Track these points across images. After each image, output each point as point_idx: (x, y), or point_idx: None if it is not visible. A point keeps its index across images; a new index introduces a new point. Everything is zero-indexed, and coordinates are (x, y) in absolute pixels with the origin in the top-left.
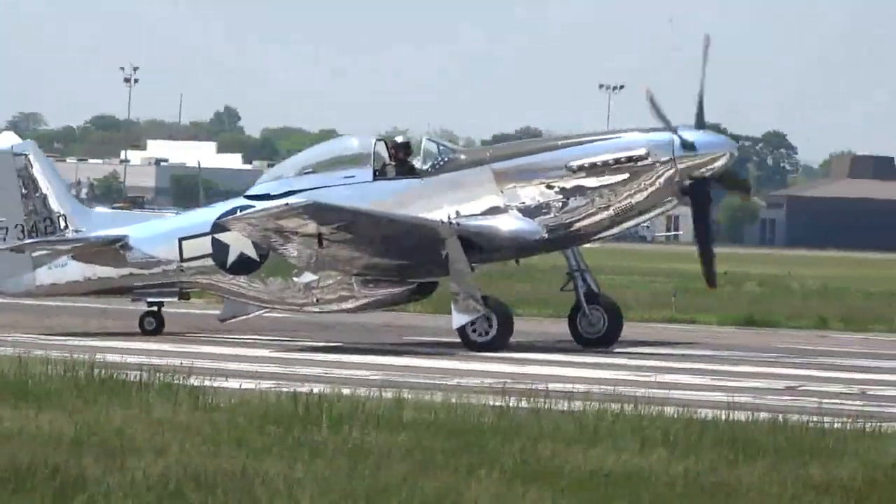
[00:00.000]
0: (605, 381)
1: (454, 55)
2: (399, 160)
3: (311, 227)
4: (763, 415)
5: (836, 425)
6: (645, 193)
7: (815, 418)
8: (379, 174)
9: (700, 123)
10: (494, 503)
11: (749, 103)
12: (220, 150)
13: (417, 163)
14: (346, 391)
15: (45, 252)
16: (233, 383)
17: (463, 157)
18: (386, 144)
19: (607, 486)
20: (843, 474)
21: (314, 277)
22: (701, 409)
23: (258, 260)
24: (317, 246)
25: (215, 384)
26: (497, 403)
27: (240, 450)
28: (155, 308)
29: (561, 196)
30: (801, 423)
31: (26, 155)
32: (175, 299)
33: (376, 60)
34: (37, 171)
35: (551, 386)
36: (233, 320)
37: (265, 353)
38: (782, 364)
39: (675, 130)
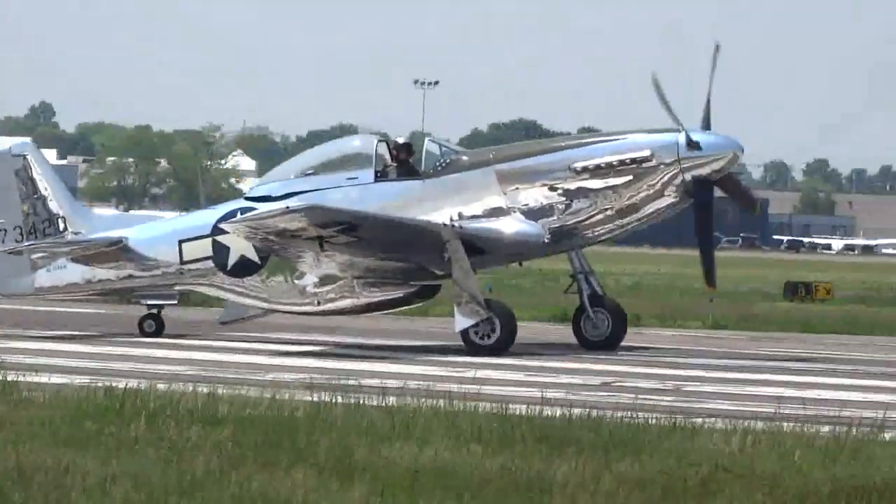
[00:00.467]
0: (419, 377)
1: (271, 50)
2: (400, 161)
3: (312, 230)
4: (577, 410)
5: (650, 421)
6: (649, 195)
7: (629, 414)
8: (381, 175)
9: (706, 126)
10: (307, 499)
11: None
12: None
13: (419, 164)
14: (161, 386)
15: (43, 254)
16: (46, 378)
17: (465, 158)
18: (388, 145)
19: (420, 481)
20: (655, 469)
21: (316, 280)
22: (515, 405)
23: (259, 262)
24: (318, 248)
25: (29, 379)
26: (311, 398)
27: (56, 445)
28: (154, 311)
29: (564, 198)
30: (615, 418)
31: (25, 156)
32: (175, 302)
33: (186, 55)
34: (36, 173)
35: (366, 381)
36: (233, 323)
37: (80, 348)
38: (597, 360)
39: (678, 121)
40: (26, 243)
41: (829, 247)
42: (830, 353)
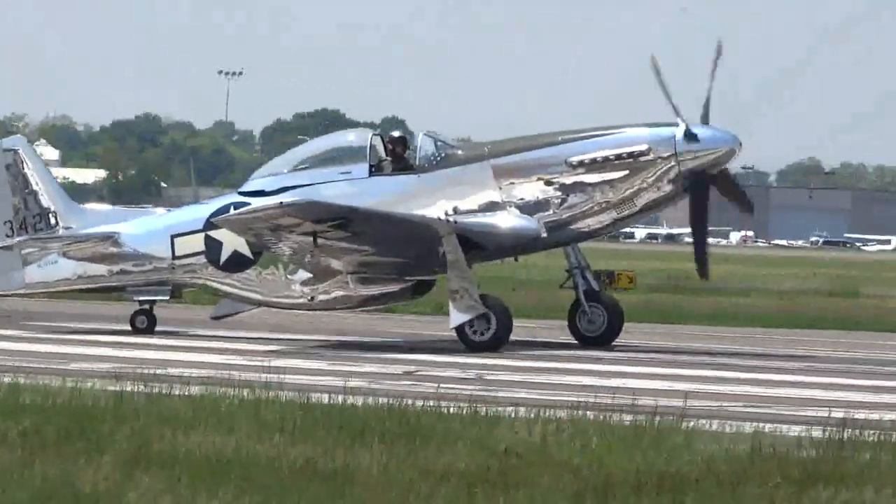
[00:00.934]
0: (222, 366)
1: (72, 39)
2: (396, 155)
3: (306, 225)
4: (381, 399)
5: (452, 410)
6: (647, 190)
7: (431, 403)
8: (375, 170)
9: (705, 122)
10: (110, 489)
11: None
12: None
13: (413, 159)
14: None
15: (35, 249)
16: None
17: (460, 152)
18: (382, 139)
19: (223, 471)
20: (458, 459)
21: (309, 275)
22: (317, 394)
23: (252, 257)
24: (311, 244)
25: None
26: (114, 388)
27: None
28: (146, 306)
29: (561, 192)
30: (417, 407)
31: (16, 150)
32: (167, 297)
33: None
34: (27, 168)
35: (170, 371)
36: (227, 317)
37: None
38: (400, 349)
39: (674, 106)
40: (17, 238)
41: (632, 235)
42: (635, 341)
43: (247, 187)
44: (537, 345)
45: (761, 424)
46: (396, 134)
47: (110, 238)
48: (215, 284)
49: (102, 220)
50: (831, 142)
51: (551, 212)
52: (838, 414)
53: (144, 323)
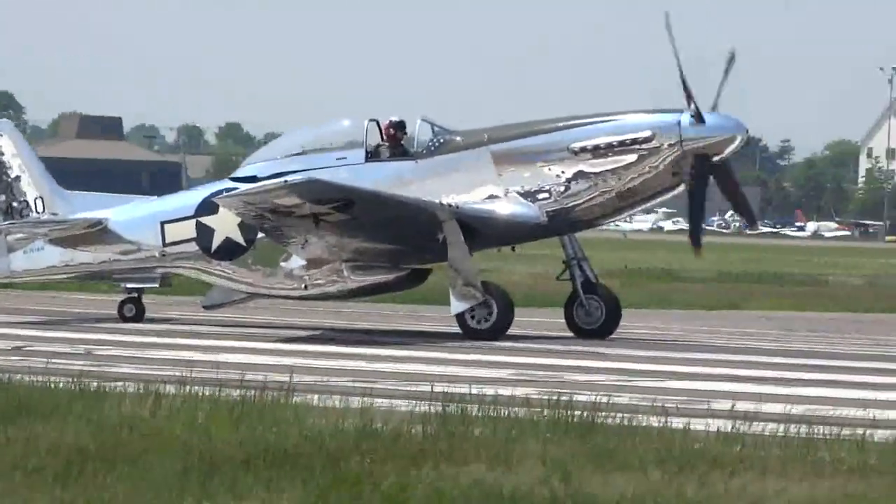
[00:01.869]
0: None
1: None
2: (393, 141)
3: (308, 206)
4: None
5: (61, 385)
6: (651, 177)
7: (40, 378)
8: (372, 156)
9: (713, 107)
10: None
11: None
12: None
13: (409, 144)
14: None
15: (20, 235)
16: None
17: (459, 139)
18: (378, 125)
19: None
20: (67, 434)
21: (303, 263)
22: None
23: (244, 245)
24: (312, 227)
25: None
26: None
27: None
28: (135, 294)
29: (562, 179)
30: (25, 382)
31: (1, 135)
32: (156, 285)
33: None
34: (12, 152)
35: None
36: (218, 307)
37: None
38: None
39: (681, 68)
40: (1, 224)
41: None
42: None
43: (239, 173)
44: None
45: (370, 399)
46: (394, 119)
47: (98, 224)
48: (206, 272)
49: (90, 206)
50: None
51: (553, 199)
52: (442, 388)
53: (132, 311)
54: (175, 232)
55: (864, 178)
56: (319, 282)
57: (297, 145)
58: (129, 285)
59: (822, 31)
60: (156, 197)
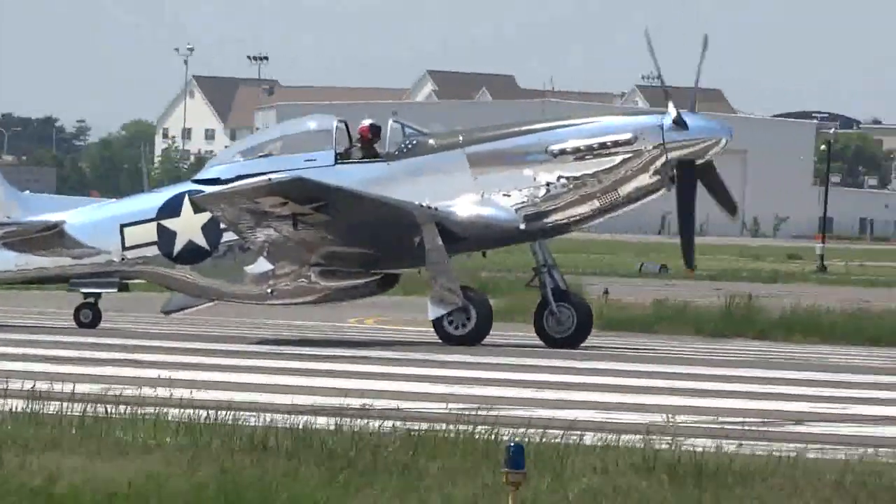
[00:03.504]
0: None
1: None
2: (364, 143)
3: (290, 205)
4: None
5: None
6: (632, 180)
7: None
8: (341, 158)
9: (692, 109)
10: None
11: None
12: None
13: (381, 146)
14: None
15: None
16: None
17: (432, 141)
18: (346, 125)
19: None
20: None
21: (269, 268)
22: None
23: (208, 248)
24: (290, 228)
25: None
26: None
27: None
28: (91, 300)
29: (541, 183)
30: None
31: None
32: (115, 290)
33: None
34: None
35: None
36: (179, 313)
37: None
38: None
39: (662, 79)
40: None
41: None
42: None
43: (202, 174)
44: None
45: None
46: (368, 122)
47: (55, 227)
48: (168, 277)
49: (46, 208)
50: None
51: (530, 203)
52: None
53: (89, 317)
54: (135, 235)
55: (160, 158)
56: (287, 287)
57: (263, 147)
58: (84, 290)
59: None
60: (114, 199)
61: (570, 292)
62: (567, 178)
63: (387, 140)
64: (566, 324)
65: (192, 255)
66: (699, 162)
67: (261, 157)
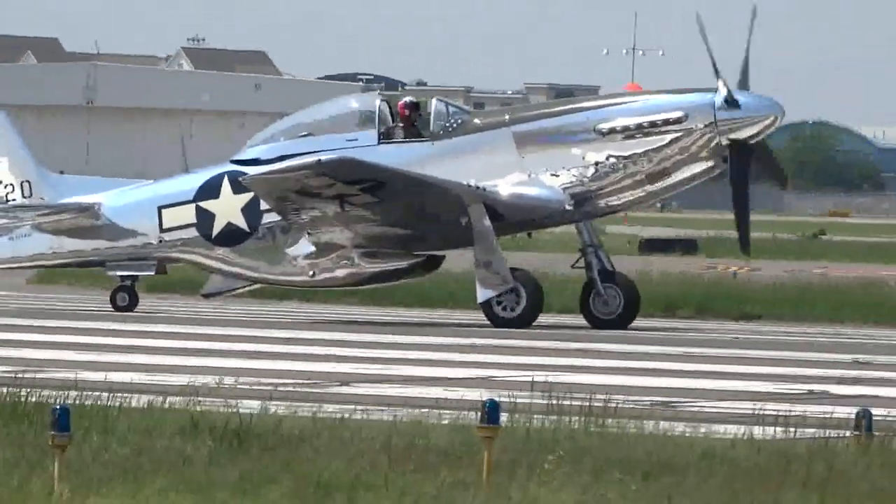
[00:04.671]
0: None
1: None
2: (407, 121)
3: (337, 186)
4: None
5: None
6: (682, 159)
7: None
8: (384, 137)
9: (744, 85)
10: None
11: None
12: None
13: (425, 125)
14: None
15: (5, 221)
16: None
17: (477, 120)
18: (389, 104)
19: None
20: None
21: (311, 249)
22: None
23: (247, 230)
24: (337, 209)
25: None
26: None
27: None
28: (128, 283)
29: (589, 162)
30: None
31: None
32: (152, 273)
33: None
34: None
35: None
36: (218, 295)
37: None
38: None
39: (717, 70)
40: None
41: None
42: None
43: (241, 155)
44: None
45: None
46: (409, 99)
47: (89, 209)
48: (207, 259)
49: (81, 190)
50: None
51: (578, 182)
52: None
53: (125, 300)
54: (173, 217)
55: None
56: (329, 269)
57: (303, 127)
58: (121, 273)
59: None
60: (152, 181)
61: (616, 273)
62: (616, 157)
63: (431, 120)
64: (612, 305)
65: (231, 237)
66: (752, 141)
67: (301, 137)
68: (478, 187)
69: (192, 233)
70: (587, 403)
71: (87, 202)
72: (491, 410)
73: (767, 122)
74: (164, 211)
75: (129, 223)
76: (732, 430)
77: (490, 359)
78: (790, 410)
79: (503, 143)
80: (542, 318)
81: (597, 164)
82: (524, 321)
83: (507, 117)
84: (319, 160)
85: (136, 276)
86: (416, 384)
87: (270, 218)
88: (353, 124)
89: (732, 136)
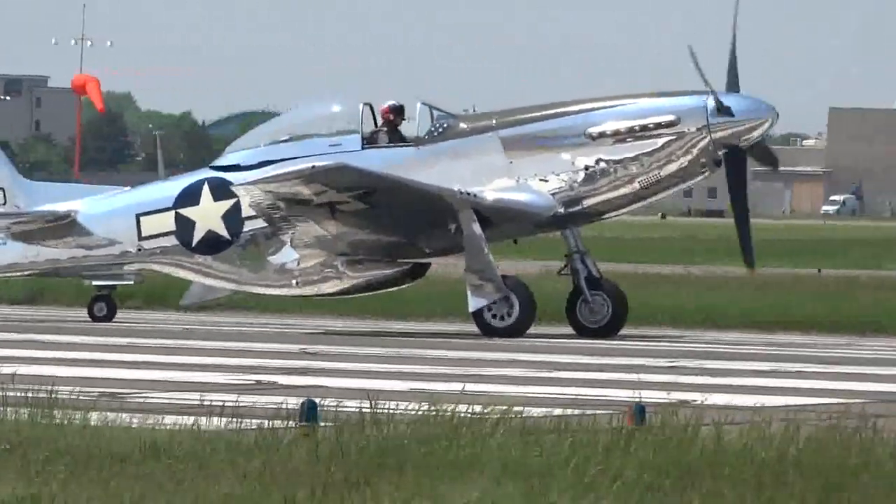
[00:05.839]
0: None
1: None
2: (390, 126)
3: (329, 194)
4: None
5: None
6: (674, 164)
7: None
8: (368, 142)
9: (733, 86)
10: None
11: None
12: None
13: (409, 129)
14: None
15: None
16: None
17: (464, 124)
18: (371, 108)
19: None
20: None
21: (294, 257)
22: None
23: (228, 238)
24: (328, 217)
25: None
26: None
27: None
28: (105, 292)
29: (579, 167)
30: None
31: None
32: (131, 282)
33: None
34: None
35: None
36: (198, 304)
37: None
38: None
39: (713, 92)
40: None
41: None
42: None
43: (221, 161)
44: None
45: None
46: (393, 103)
47: (66, 217)
48: (186, 268)
49: (58, 197)
50: None
51: (568, 187)
52: None
53: (103, 310)
54: (152, 225)
55: None
56: (313, 278)
57: (284, 131)
58: (98, 283)
59: None
60: (129, 188)
61: (603, 280)
62: (607, 161)
63: (415, 124)
64: (600, 313)
65: (212, 244)
66: (745, 145)
67: (282, 142)
68: (467, 193)
69: (172, 241)
70: (34, 395)
71: (63, 210)
72: None
73: (760, 124)
74: (142, 218)
75: (106, 231)
76: (182, 420)
77: None
78: (238, 401)
79: (490, 147)
80: None
81: (587, 168)
82: (517, 330)
83: (494, 121)
84: (314, 167)
85: (114, 285)
86: None
87: (252, 225)
88: (335, 128)
89: (724, 138)
